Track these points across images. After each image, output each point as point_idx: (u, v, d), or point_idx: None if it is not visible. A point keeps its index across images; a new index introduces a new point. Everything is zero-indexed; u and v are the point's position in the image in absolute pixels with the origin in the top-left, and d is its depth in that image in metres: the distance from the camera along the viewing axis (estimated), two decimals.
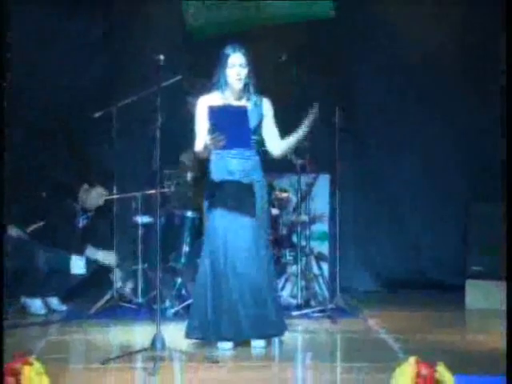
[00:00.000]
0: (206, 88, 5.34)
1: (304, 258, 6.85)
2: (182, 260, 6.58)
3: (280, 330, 5.27)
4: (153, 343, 4.68)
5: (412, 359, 3.63)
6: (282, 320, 5.30)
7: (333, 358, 5.25)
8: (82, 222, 6.95)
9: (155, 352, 4.65)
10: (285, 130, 5.36)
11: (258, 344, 5.17)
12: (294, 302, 6.61)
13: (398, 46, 7.82)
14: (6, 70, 4.60)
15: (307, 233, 6.93)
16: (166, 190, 6.48)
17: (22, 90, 7.00)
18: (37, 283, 6.46)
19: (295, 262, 6.79)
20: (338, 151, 6.59)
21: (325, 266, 7.31)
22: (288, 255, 6.89)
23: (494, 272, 6.67)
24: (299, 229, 6.82)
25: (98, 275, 6.79)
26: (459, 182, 7.91)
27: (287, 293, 6.86)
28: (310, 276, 6.87)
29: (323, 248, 7.50)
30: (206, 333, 5.14)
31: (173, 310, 6.29)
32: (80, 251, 6.59)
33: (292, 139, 5.28)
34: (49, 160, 7.48)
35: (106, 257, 6.64)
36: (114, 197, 6.70)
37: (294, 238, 6.96)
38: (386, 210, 8.11)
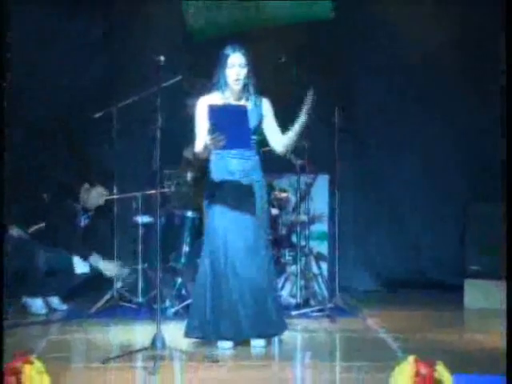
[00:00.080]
0: (206, 88, 5.35)
1: (303, 258, 6.87)
2: (182, 260, 6.60)
3: (280, 329, 5.28)
4: (153, 342, 4.70)
5: (411, 358, 3.64)
6: (282, 319, 5.32)
7: (332, 357, 5.25)
8: (83, 222, 6.97)
9: (155, 351, 4.66)
10: (285, 129, 5.37)
11: (257, 343, 5.18)
12: (293, 301, 6.62)
13: (397, 46, 7.83)
14: (6, 69, 4.60)
15: (306, 233, 6.95)
16: (166, 190, 6.49)
17: (22, 89, 7.01)
18: (38, 283, 6.48)
19: (295, 261, 6.80)
20: (337, 151, 6.60)
21: (324, 266, 7.32)
22: (287, 255, 6.91)
23: (492, 272, 6.69)
24: (299, 229, 6.83)
25: (99, 275, 6.80)
26: (459, 182, 7.92)
27: (287, 292, 6.87)
28: (310, 276, 6.88)
29: (322, 248, 7.51)
30: (205, 332, 5.15)
31: (173, 310, 6.31)
32: (84, 257, 6.61)
33: (293, 131, 5.26)
34: (49, 160, 7.50)
35: (108, 267, 6.65)
36: (115, 197, 6.71)
37: (294, 238, 6.97)
38: (385, 210, 8.12)
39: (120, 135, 6.66)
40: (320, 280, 7.04)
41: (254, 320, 5.12)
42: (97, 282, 6.83)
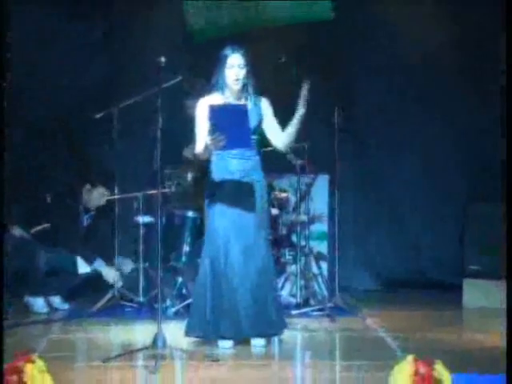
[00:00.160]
0: (206, 89, 5.36)
1: (303, 258, 6.88)
2: (183, 259, 6.61)
3: (280, 328, 5.30)
4: (154, 341, 4.71)
5: (410, 357, 3.65)
6: (281, 319, 5.33)
7: (332, 356, 5.26)
8: (84, 223, 6.99)
9: (156, 350, 4.68)
10: (285, 128, 5.38)
11: (257, 343, 5.19)
12: (293, 300, 6.64)
13: (397, 46, 7.83)
14: (6, 69, 4.62)
15: (306, 232, 6.96)
16: (166, 190, 6.50)
17: (22, 89, 7.01)
18: (39, 282, 6.51)
19: (294, 261, 6.82)
20: (337, 151, 6.61)
21: (324, 266, 7.34)
22: (287, 255, 6.92)
23: (492, 271, 6.70)
24: (298, 228, 6.84)
25: (100, 275, 6.81)
26: (459, 182, 7.93)
27: (287, 292, 6.89)
28: (309, 275, 6.90)
29: (322, 248, 7.52)
30: (206, 331, 5.17)
31: (173, 309, 6.32)
32: (89, 261, 6.64)
33: (292, 126, 5.26)
34: (49, 160, 7.51)
35: (110, 274, 6.67)
36: (116, 197, 6.72)
37: (294, 238, 6.99)
38: (385, 210, 8.13)
39: (121, 135, 6.66)
40: (320, 280, 7.06)
41: (254, 319, 5.13)
42: (98, 281, 6.84)
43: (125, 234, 6.83)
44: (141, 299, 6.63)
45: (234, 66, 5.21)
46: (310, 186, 6.99)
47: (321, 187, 7.36)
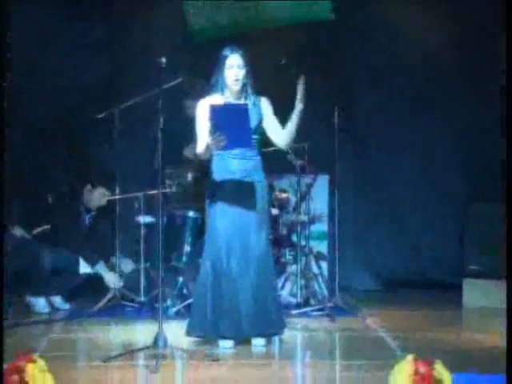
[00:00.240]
0: (206, 89, 5.37)
1: (303, 258, 6.89)
2: (184, 259, 6.61)
3: (280, 328, 5.31)
4: (155, 341, 4.72)
5: (410, 357, 3.66)
6: (281, 319, 5.34)
7: (332, 355, 5.27)
8: (86, 223, 6.99)
9: (157, 350, 4.68)
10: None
11: (258, 342, 5.20)
12: (293, 300, 6.65)
13: (397, 46, 7.84)
14: (6, 69, 4.62)
15: (307, 232, 6.97)
16: (167, 190, 6.51)
17: (22, 89, 7.02)
18: (41, 282, 6.51)
19: (295, 261, 6.82)
20: (337, 151, 6.61)
21: (324, 266, 7.34)
22: (288, 255, 6.93)
23: (491, 271, 6.71)
24: (299, 228, 6.85)
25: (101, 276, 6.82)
26: (459, 182, 7.93)
27: (287, 292, 6.89)
28: (310, 275, 6.91)
29: (322, 247, 7.53)
30: (206, 331, 5.18)
31: (174, 309, 6.33)
32: (92, 264, 6.65)
33: (292, 122, 5.26)
34: (49, 161, 7.51)
35: (110, 278, 6.68)
36: (117, 197, 6.73)
37: (294, 238, 7.00)
38: (385, 210, 8.14)
39: (121, 136, 6.67)
40: (320, 279, 7.07)
41: (255, 319, 5.14)
42: (99, 281, 6.84)
43: (126, 234, 6.84)
44: (142, 299, 6.64)
45: (234, 67, 5.22)
46: (310, 186, 7.00)
47: (321, 187, 7.36)
